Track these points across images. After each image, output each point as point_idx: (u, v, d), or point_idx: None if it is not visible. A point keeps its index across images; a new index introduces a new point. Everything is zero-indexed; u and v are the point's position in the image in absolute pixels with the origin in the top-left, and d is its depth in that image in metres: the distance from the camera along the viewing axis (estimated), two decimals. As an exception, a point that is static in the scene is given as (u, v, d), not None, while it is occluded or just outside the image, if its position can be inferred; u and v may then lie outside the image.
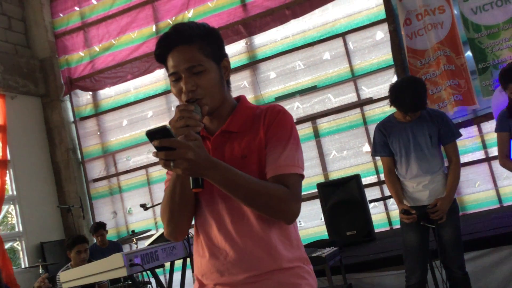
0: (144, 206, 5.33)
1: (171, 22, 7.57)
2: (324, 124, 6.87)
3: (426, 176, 3.37)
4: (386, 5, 6.40)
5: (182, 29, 1.49)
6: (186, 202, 1.48)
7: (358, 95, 6.75)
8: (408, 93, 3.29)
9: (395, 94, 3.37)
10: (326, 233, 6.06)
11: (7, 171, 7.20)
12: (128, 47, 7.84)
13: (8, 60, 7.53)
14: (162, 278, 5.16)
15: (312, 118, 6.90)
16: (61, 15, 8.30)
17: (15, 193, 7.34)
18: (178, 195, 1.45)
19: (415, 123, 3.40)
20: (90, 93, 8.27)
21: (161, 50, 1.51)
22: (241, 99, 1.62)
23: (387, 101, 3.53)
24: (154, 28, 7.72)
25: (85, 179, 8.04)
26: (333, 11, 6.86)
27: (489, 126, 5.87)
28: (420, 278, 3.39)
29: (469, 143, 6.08)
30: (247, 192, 1.39)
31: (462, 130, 3.65)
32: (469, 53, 5.92)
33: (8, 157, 7.26)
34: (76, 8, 8.22)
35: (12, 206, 7.39)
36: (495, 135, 3.59)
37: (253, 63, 7.22)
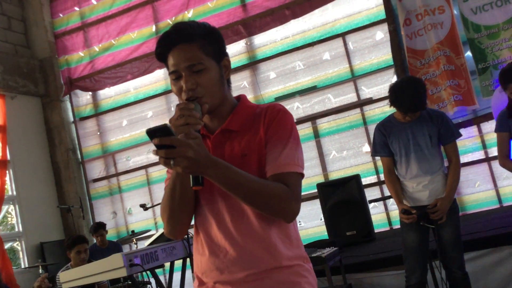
0: (144, 206, 5.33)
1: (171, 22, 7.56)
2: (324, 124, 6.87)
3: (426, 176, 3.37)
4: (386, 5, 6.40)
5: (182, 28, 1.49)
6: (186, 200, 1.49)
7: (358, 95, 6.75)
8: (407, 93, 3.29)
9: (395, 95, 3.37)
10: (326, 233, 6.06)
11: (7, 171, 7.20)
12: (128, 47, 7.83)
13: (8, 60, 7.53)
14: (162, 278, 5.15)
15: (312, 118, 6.90)
16: (61, 15, 8.30)
17: (15, 193, 7.34)
18: (178, 193, 1.46)
19: (415, 123, 3.40)
20: (90, 93, 8.27)
21: (161, 49, 1.51)
22: (241, 98, 1.62)
23: (387, 101, 3.53)
24: (154, 28, 7.72)
25: (85, 179, 8.04)
26: (333, 11, 6.86)
27: (489, 126, 5.88)
28: (420, 278, 3.39)
29: (469, 143, 6.08)
30: (247, 191, 1.39)
31: (462, 130, 3.65)
32: (469, 53, 5.92)
33: (8, 157, 7.26)
34: (76, 8, 8.22)
35: (12, 206, 7.39)
36: (495, 135, 3.59)
37: (253, 63, 7.22)
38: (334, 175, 6.72)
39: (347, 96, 6.80)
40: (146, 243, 4.99)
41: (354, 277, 4.58)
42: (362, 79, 6.75)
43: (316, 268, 3.36)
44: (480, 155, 6.09)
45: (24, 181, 7.44)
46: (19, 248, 7.28)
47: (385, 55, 6.55)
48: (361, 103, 6.71)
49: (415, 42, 6.10)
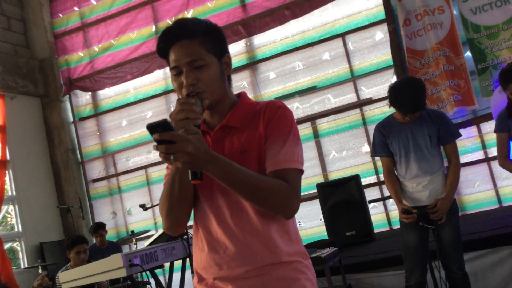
0: (143, 207, 5.33)
1: (170, 23, 7.53)
2: (323, 124, 6.87)
3: (425, 176, 3.37)
4: (385, 6, 6.40)
5: (184, 24, 1.50)
6: (185, 195, 1.49)
7: (358, 96, 6.75)
8: (407, 93, 3.29)
9: (394, 95, 3.37)
10: (326, 233, 6.06)
11: (7, 172, 7.20)
12: (128, 47, 7.83)
13: (8, 60, 7.53)
14: (161, 278, 5.15)
15: (312, 119, 6.90)
16: (60, 15, 8.29)
17: (14, 193, 7.33)
18: (177, 188, 1.46)
19: (415, 124, 3.40)
20: (90, 93, 8.26)
21: (163, 44, 1.52)
22: (241, 95, 1.63)
23: (386, 101, 3.53)
24: (153, 28, 7.72)
25: (85, 180, 8.04)
26: (333, 12, 6.86)
27: (489, 127, 5.88)
28: (419, 278, 3.39)
29: (468, 144, 6.08)
30: (247, 186, 1.40)
31: (461, 131, 3.65)
32: (468, 54, 5.92)
33: (8, 157, 7.26)
34: (76, 9, 8.22)
35: (11, 207, 7.38)
36: (494, 135, 3.59)
37: (252, 64, 7.22)
38: (333, 175, 6.72)
39: (347, 96, 6.80)
40: (146, 243, 4.99)
41: (354, 277, 4.58)
42: (361, 79, 6.75)
43: (316, 268, 3.35)
44: (479, 155, 6.09)
45: (24, 181, 7.43)
46: (19, 248, 7.28)
47: (385, 55, 6.55)
48: (360, 103, 6.72)
49: (414, 42, 6.10)
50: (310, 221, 6.76)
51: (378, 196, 6.36)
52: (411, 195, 3.43)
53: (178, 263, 4.86)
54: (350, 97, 6.78)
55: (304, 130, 6.79)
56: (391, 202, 6.27)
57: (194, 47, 1.48)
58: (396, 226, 6.01)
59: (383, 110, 6.13)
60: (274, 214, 1.48)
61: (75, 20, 8.21)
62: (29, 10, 8.19)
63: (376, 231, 6.03)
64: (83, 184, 8.02)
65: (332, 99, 6.87)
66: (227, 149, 1.52)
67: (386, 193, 6.09)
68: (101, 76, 7.94)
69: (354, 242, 5.73)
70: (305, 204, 6.60)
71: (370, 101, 6.65)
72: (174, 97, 7.69)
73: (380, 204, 6.47)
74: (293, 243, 1.53)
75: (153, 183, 7.71)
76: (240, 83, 7.21)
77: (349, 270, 4.58)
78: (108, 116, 8.13)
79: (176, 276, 4.88)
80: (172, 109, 1.38)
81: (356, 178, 5.94)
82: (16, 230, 7.28)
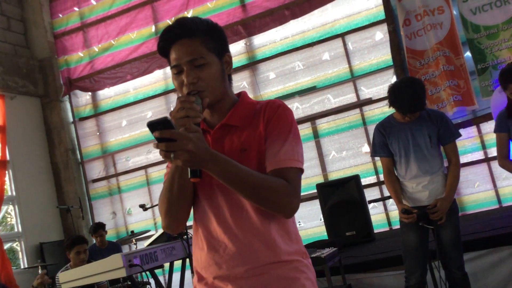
0: (143, 207, 5.33)
1: (170, 23, 7.54)
2: (323, 124, 6.87)
3: (425, 176, 3.37)
4: (385, 6, 6.40)
5: (185, 23, 1.51)
6: (184, 193, 1.49)
7: (358, 96, 6.75)
8: (406, 94, 3.29)
9: (394, 95, 3.37)
10: (326, 233, 6.06)
11: (6, 172, 7.20)
12: (128, 47, 7.84)
13: (8, 60, 7.53)
14: (161, 278, 5.15)
15: (312, 119, 6.90)
16: (60, 15, 8.29)
17: (14, 193, 7.33)
18: (177, 186, 1.46)
19: (415, 124, 3.40)
20: (90, 93, 8.27)
21: (164, 43, 1.53)
22: (242, 94, 1.63)
23: (386, 101, 3.53)
24: (153, 28, 7.73)
25: (85, 180, 8.04)
26: (333, 12, 6.86)
27: (488, 127, 5.88)
28: (419, 278, 3.39)
29: (468, 144, 6.08)
30: (247, 185, 1.40)
31: (461, 131, 3.64)
32: (468, 54, 5.92)
33: (8, 157, 7.26)
34: (76, 9, 8.22)
35: (11, 207, 7.38)
36: (494, 135, 3.59)
37: (252, 64, 7.22)
38: (333, 176, 6.72)
39: (347, 96, 6.80)
40: (146, 243, 4.99)
41: (354, 277, 4.58)
42: (361, 80, 6.75)
43: (316, 268, 3.34)
44: (479, 155, 6.10)
45: (24, 181, 7.43)
46: (19, 248, 7.28)
47: (385, 55, 6.55)
48: (360, 104, 6.72)
49: (414, 42, 6.10)
50: (310, 221, 6.76)
51: (378, 196, 6.36)
52: (411, 195, 3.43)
53: (178, 263, 4.86)
54: (350, 97, 6.78)
55: (304, 130, 6.79)
56: (391, 202, 6.27)
57: (195, 46, 1.48)
58: (396, 226, 6.01)
59: (383, 110, 6.13)
60: (274, 213, 1.48)
61: (75, 20, 8.21)
62: (29, 10, 8.19)
63: (376, 231, 6.03)
64: (83, 184, 8.02)
65: (332, 99, 6.88)
66: (227, 148, 1.52)
67: (386, 193, 6.09)
68: (101, 76, 7.94)
69: (354, 242, 5.73)
70: (305, 204, 6.60)
71: (370, 101, 6.66)
72: (174, 97, 7.69)
73: (380, 204, 6.47)
74: (293, 243, 1.53)
75: (153, 183, 7.71)
76: (240, 83, 7.21)
77: (349, 270, 4.58)
78: (108, 116, 8.13)
79: (176, 276, 4.88)
80: (172, 109, 1.38)
81: (356, 178, 5.94)
82: (16, 230, 7.28)
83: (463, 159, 5.66)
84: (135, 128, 7.90)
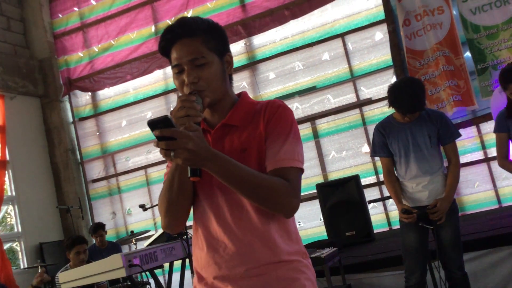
0: (143, 207, 5.33)
1: (170, 23, 7.55)
2: (323, 124, 6.87)
3: (425, 176, 3.37)
4: (385, 6, 6.40)
5: (186, 22, 1.51)
6: (184, 193, 1.49)
7: (357, 96, 6.75)
8: (406, 94, 3.29)
9: (394, 95, 3.37)
10: (325, 233, 6.06)
11: (6, 172, 7.20)
12: (127, 47, 7.83)
13: (7, 60, 7.53)
14: (161, 278, 5.15)
15: (311, 119, 6.90)
16: (60, 15, 8.29)
17: (14, 193, 7.33)
18: (177, 185, 1.46)
19: (414, 124, 3.40)
20: (89, 93, 8.26)
21: (165, 43, 1.53)
22: (242, 94, 1.64)
23: (386, 101, 3.53)
24: (153, 28, 7.72)
25: (84, 180, 8.04)
26: (332, 12, 6.86)
27: (488, 127, 5.88)
28: (419, 278, 3.39)
29: (468, 144, 6.08)
30: (247, 184, 1.40)
31: (461, 131, 3.64)
32: (468, 54, 5.92)
33: (7, 157, 7.26)
34: (75, 9, 8.22)
35: (11, 207, 7.38)
36: (494, 135, 3.59)
37: (252, 64, 7.22)
38: (333, 176, 6.72)
39: (347, 96, 6.80)
40: (146, 243, 4.99)
41: (354, 277, 4.58)
42: (361, 80, 6.75)
43: (316, 268, 3.35)
44: (479, 155, 6.10)
45: (23, 181, 7.43)
46: (18, 248, 7.27)
47: (385, 55, 6.55)
48: (360, 104, 6.72)
49: (414, 42, 6.10)
50: (309, 221, 6.76)
51: (378, 196, 6.36)
52: (411, 195, 3.43)
53: (177, 263, 4.86)
54: (350, 97, 6.78)
55: (304, 130, 6.79)
56: (390, 202, 6.27)
57: (195, 46, 1.49)
58: (396, 226, 6.01)
59: (383, 110, 6.13)
60: (274, 212, 1.48)
61: (75, 20, 8.21)
62: (29, 10, 8.19)
63: (375, 231, 6.04)
64: (83, 184, 8.01)
65: (331, 99, 6.88)
66: (227, 147, 1.52)
67: (386, 193, 6.09)
68: (100, 76, 7.94)
69: (353, 242, 5.73)
70: (305, 204, 6.60)
71: (369, 101, 6.65)
72: (173, 97, 7.70)
73: (379, 204, 6.47)
74: (293, 243, 1.53)
75: (153, 183, 7.71)
76: (239, 83, 7.21)
77: (349, 270, 4.58)
78: (108, 116, 8.12)
79: (176, 277, 4.88)
80: (172, 109, 1.38)
81: (355, 178, 5.94)
82: (15, 230, 7.28)
83: (463, 159, 5.66)
84: (135, 128, 7.90)
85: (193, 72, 1.48)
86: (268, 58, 7.15)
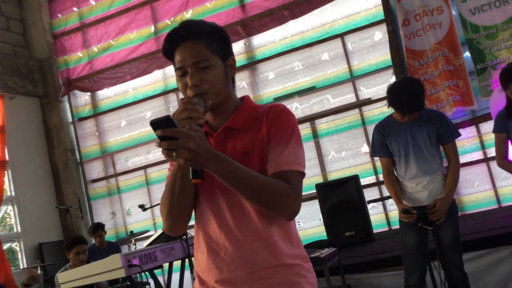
0: (142, 207, 5.33)
1: (169, 23, 7.57)
2: (322, 124, 6.87)
3: (425, 176, 3.37)
4: (384, 6, 6.40)
5: (190, 25, 1.52)
6: (186, 195, 1.49)
7: (357, 96, 6.75)
8: (405, 94, 3.29)
9: (393, 95, 3.37)
10: (325, 233, 6.06)
11: (6, 172, 7.19)
12: (127, 47, 7.83)
13: (7, 60, 7.52)
14: (160, 279, 5.15)
15: (311, 119, 6.90)
16: (59, 15, 8.29)
17: (13, 193, 7.33)
18: (178, 187, 1.46)
19: (414, 124, 3.40)
20: (89, 93, 8.26)
21: (169, 45, 1.53)
22: (245, 98, 1.64)
23: (385, 101, 3.53)
24: (152, 28, 7.72)
25: (84, 180, 8.04)
26: (332, 12, 6.86)
27: (488, 127, 5.88)
28: (419, 278, 3.39)
29: (467, 144, 6.09)
30: (248, 186, 1.40)
31: (460, 131, 3.64)
32: (467, 54, 5.92)
33: (7, 157, 7.25)
34: (75, 9, 8.22)
35: (10, 207, 7.38)
36: (493, 135, 3.58)
37: (251, 64, 7.22)
38: (333, 176, 6.72)
39: (346, 96, 6.80)
40: (145, 243, 4.99)
41: (353, 277, 4.58)
42: (361, 80, 6.75)
43: (315, 268, 3.35)
44: (478, 155, 6.10)
45: (23, 181, 7.43)
46: (18, 248, 7.27)
47: (384, 55, 6.55)
48: (360, 104, 6.72)
49: (413, 42, 6.10)
50: (309, 222, 6.76)
51: (377, 196, 6.36)
52: (411, 195, 3.43)
53: (177, 264, 4.85)
54: (349, 97, 6.78)
55: (303, 130, 6.79)
56: (390, 202, 6.27)
57: (199, 48, 1.49)
58: (396, 226, 6.01)
59: (382, 110, 6.13)
60: (275, 215, 1.48)
61: (74, 21, 8.21)
62: (28, 10, 8.19)
63: (375, 231, 6.04)
64: (82, 185, 8.01)
65: (331, 99, 6.88)
66: (229, 150, 1.52)
67: (386, 193, 6.09)
68: (100, 76, 7.94)
69: (353, 242, 5.73)
70: (304, 204, 6.59)
71: (369, 101, 6.66)
72: (173, 97, 7.70)
73: (379, 204, 6.47)
74: (294, 246, 1.53)
75: (152, 183, 7.71)
76: (239, 83, 7.20)
77: (348, 271, 4.58)
78: (107, 116, 8.12)
79: (175, 277, 4.88)
80: (171, 110, 1.38)
81: (355, 178, 5.94)
82: (15, 230, 7.28)
83: (462, 159, 5.66)
84: (134, 128, 7.90)
85: (196, 74, 1.48)
86: (268, 58, 7.16)
